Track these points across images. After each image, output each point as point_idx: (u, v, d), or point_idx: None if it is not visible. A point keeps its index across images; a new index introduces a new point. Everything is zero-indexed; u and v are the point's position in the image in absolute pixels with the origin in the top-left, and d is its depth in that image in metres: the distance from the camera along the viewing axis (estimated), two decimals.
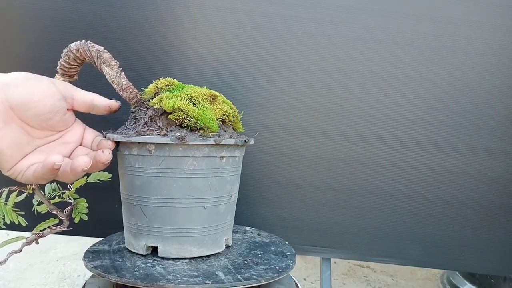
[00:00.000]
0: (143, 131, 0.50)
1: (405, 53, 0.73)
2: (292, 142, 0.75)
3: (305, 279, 1.62)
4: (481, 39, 0.73)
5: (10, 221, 0.53)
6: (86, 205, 0.61)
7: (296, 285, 0.60)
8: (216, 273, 0.48)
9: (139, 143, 0.50)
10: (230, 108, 0.57)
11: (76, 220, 0.60)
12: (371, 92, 0.74)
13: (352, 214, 0.77)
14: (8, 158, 0.44)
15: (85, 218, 0.61)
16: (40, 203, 0.57)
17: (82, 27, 0.68)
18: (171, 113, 0.50)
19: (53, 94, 0.45)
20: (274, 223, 0.77)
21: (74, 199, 0.60)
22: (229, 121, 0.57)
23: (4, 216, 0.53)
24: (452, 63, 0.73)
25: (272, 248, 0.60)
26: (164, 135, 0.49)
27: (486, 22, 0.72)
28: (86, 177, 0.62)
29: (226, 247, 0.58)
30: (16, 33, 0.68)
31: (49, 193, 0.60)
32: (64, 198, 0.61)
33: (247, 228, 0.70)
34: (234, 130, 0.60)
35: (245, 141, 0.54)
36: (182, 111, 0.50)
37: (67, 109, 0.48)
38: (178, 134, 0.49)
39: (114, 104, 0.52)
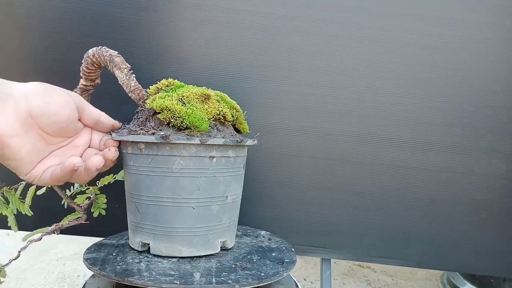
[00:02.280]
0: (135, 130, 0.52)
1: (406, 53, 0.71)
2: (292, 143, 0.72)
3: (305, 279, 1.59)
4: (482, 39, 0.70)
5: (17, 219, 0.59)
6: (105, 200, 0.65)
7: (296, 285, 0.57)
8: (194, 274, 0.47)
9: (132, 142, 0.52)
10: (230, 108, 0.56)
11: (95, 215, 0.64)
12: (372, 92, 0.71)
13: (352, 214, 0.75)
14: (27, 163, 0.47)
15: (103, 213, 0.65)
16: (69, 198, 0.62)
17: (83, 27, 0.69)
18: (160, 113, 0.51)
19: (70, 104, 0.48)
20: (273, 224, 0.75)
21: (96, 194, 0.65)
22: (227, 121, 0.55)
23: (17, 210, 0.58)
24: (453, 63, 0.71)
25: (273, 254, 0.57)
26: (151, 134, 0.50)
27: (487, 22, 0.69)
28: (113, 174, 0.67)
29: (224, 250, 0.56)
30: (16, 34, 0.70)
31: (76, 188, 0.65)
32: (88, 193, 0.66)
33: (262, 232, 0.68)
34: (236, 130, 0.59)
35: (237, 141, 0.53)
36: (169, 110, 0.50)
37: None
38: (163, 133, 0.49)
39: (117, 125, 0.55)
